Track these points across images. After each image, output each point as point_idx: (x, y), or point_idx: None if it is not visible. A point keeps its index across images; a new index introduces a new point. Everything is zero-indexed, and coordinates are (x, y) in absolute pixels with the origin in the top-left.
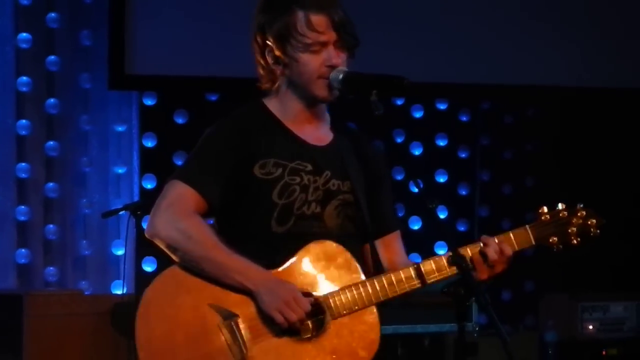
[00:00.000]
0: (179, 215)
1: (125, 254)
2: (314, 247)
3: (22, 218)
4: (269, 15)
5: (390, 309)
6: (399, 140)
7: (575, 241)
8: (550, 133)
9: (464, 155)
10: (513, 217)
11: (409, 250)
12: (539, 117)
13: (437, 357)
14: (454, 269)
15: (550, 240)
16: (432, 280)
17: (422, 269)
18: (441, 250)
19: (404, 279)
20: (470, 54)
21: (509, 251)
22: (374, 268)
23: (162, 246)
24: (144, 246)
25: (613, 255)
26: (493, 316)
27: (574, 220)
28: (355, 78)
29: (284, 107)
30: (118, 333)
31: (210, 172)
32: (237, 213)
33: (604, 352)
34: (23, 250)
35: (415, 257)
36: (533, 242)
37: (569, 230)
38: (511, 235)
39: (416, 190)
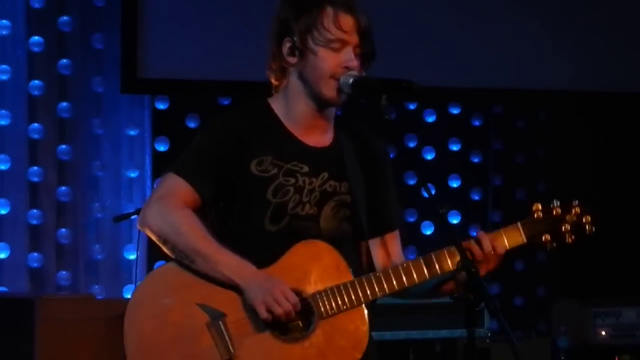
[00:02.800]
0: (170, 208)
1: (137, 258)
2: (303, 247)
3: (34, 222)
4: (297, 8)
5: (402, 314)
6: (412, 144)
7: (569, 239)
8: (561, 137)
9: (476, 159)
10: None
11: (421, 254)
12: (550, 122)
13: None
14: (454, 263)
15: (543, 238)
16: (423, 279)
17: (413, 267)
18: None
19: (393, 278)
20: (482, 59)
21: (500, 249)
22: (367, 267)
23: (153, 238)
24: (156, 250)
25: (626, 260)
26: (503, 322)
27: (568, 217)
28: (365, 82)
29: (288, 107)
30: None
31: (205, 166)
32: (231, 209)
33: (616, 358)
34: (35, 254)
35: None
36: (524, 240)
37: (563, 228)
38: (502, 233)
39: (427, 195)
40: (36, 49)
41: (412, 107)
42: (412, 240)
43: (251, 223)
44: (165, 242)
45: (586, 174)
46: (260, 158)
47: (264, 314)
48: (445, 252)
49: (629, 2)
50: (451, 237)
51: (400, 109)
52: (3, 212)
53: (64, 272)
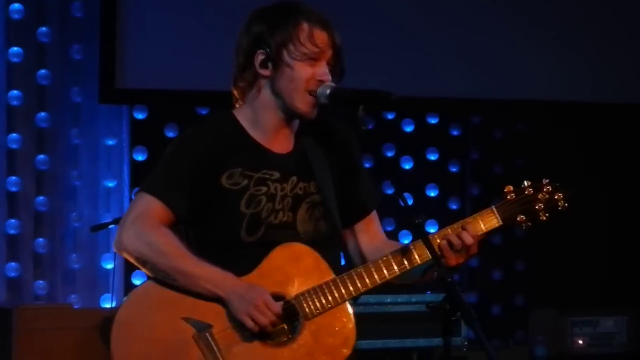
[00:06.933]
0: (146, 228)
1: (114, 267)
2: (281, 250)
3: (12, 232)
4: (272, 22)
5: (379, 323)
6: (390, 154)
7: (543, 217)
8: (539, 148)
9: (454, 169)
10: (503, 231)
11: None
12: (528, 132)
13: None
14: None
15: (518, 218)
16: (403, 270)
17: (392, 260)
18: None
19: (374, 272)
20: (461, 69)
21: (477, 234)
22: (357, 254)
23: (132, 260)
24: None
25: (603, 269)
26: (479, 331)
27: (540, 196)
28: (343, 93)
29: (255, 118)
30: (107, 347)
31: (176, 183)
32: (206, 223)
33: None
34: (13, 263)
35: None
36: (500, 222)
37: (536, 207)
38: (478, 217)
39: (402, 205)
40: (15, 59)
41: (390, 116)
42: None
43: (228, 236)
44: (144, 263)
45: (563, 183)
46: (230, 171)
47: (250, 324)
48: (419, 243)
49: (607, 13)
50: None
51: (378, 118)
52: None
53: (41, 282)
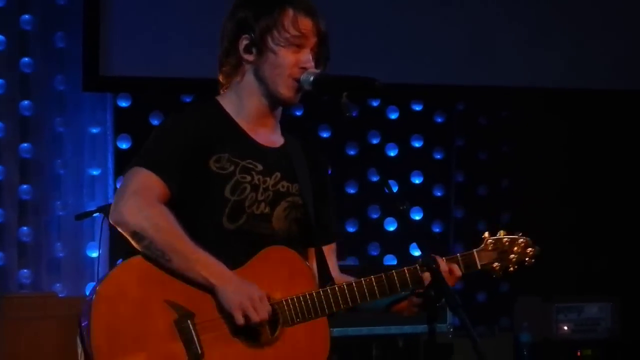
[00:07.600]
0: (146, 203)
1: (99, 255)
2: (273, 252)
3: None
4: (257, 8)
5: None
6: (375, 141)
7: (512, 268)
8: (524, 134)
9: (439, 156)
10: (488, 218)
11: (385, 251)
12: (513, 119)
13: (411, 358)
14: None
15: (494, 265)
16: (383, 296)
17: (375, 283)
18: (416, 251)
19: (357, 293)
20: (445, 56)
21: (458, 273)
22: (319, 272)
23: (127, 233)
24: (118, 248)
25: (588, 256)
26: (464, 318)
27: (515, 249)
28: (327, 80)
29: (240, 105)
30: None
31: (172, 161)
32: (189, 206)
33: (578, 353)
34: None
35: (391, 258)
36: (479, 267)
37: (509, 258)
38: (459, 258)
39: (387, 192)
40: None
41: (375, 103)
42: (376, 236)
43: (209, 220)
44: (142, 238)
45: (548, 170)
46: (218, 155)
47: (240, 318)
48: (406, 270)
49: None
50: (413, 234)
51: (363, 105)
52: None
53: (25, 271)
